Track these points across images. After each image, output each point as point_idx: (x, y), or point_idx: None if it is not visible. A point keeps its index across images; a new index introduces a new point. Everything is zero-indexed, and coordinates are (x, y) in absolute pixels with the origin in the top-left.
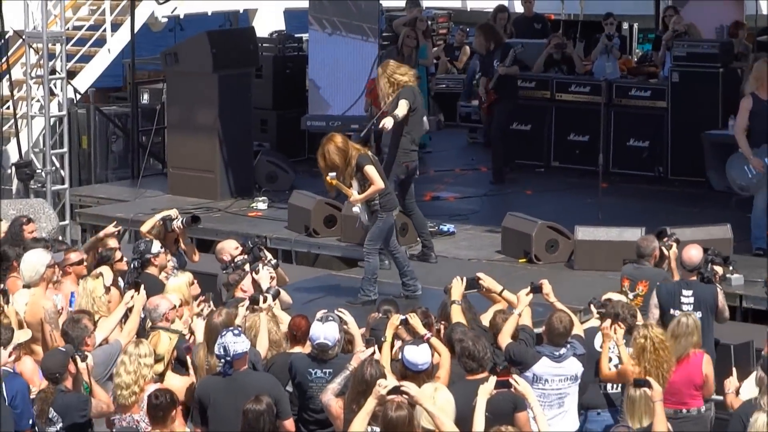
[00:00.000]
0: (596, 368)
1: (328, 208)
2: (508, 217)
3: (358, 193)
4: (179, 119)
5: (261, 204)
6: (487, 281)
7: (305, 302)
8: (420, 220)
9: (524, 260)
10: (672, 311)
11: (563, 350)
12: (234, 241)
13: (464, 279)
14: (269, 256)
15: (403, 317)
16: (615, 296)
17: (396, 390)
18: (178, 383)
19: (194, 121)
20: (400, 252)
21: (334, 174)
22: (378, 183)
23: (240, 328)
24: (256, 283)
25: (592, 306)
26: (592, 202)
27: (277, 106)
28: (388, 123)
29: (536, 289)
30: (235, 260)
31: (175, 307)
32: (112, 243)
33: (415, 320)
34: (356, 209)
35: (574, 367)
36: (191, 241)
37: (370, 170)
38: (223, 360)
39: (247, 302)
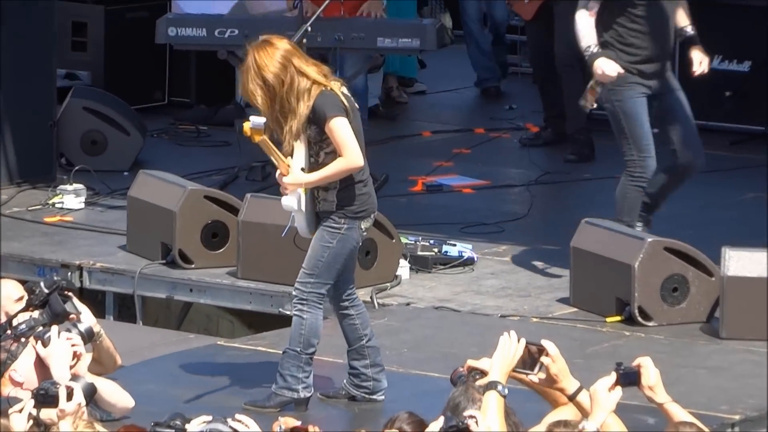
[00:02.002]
0: None
1: (213, 208)
2: (585, 228)
3: (306, 169)
4: None
5: (71, 198)
6: (557, 361)
7: (163, 402)
8: None
9: (617, 318)
10: None
11: None
12: (14, 284)
13: (521, 341)
14: (83, 310)
15: None
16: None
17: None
18: None
19: None
20: (360, 309)
21: (259, 122)
22: (351, 154)
23: None
24: (42, 367)
25: None
26: (754, 197)
27: None
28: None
29: (628, 378)
30: (15, 323)
31: None
32: None
33: None
34: (290, 202)
35: None
36: None
37: (340, 126)
38: None
39: (28, 403)
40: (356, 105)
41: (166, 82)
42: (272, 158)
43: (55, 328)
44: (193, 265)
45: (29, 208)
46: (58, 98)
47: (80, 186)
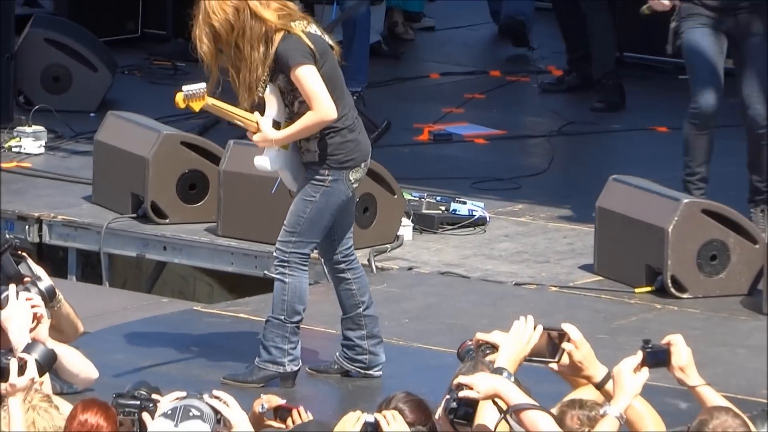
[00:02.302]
0: None
1: (190, 155)
2: (613, 185)
3: (277, 125)
4: None
5: (29, 142)
6: (581, 347)
7: (130, 372)
8: None
9: (647, 289)
10: None
11: None
12: None
13: (537, 328)
14: (40, 272)
15: (369, 418)
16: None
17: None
18: None
19: None
20: (358, 273)
21: (196, 88)
22: (321, 106)
23: None
24: None
25: None
26: None
27: None
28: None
29: (656, 358)
30: None
31: None
32: None
33: (395, 425)
34: (264, 162)
35: None
36: None
37: (305, 76)
38: None
39: None
40: (329, 42)
41: (140, 12)
42: (234, 121)
43: (12, 287)
44: (167, 220)
45: None
46: (16, 28)
47: (40, 128)
